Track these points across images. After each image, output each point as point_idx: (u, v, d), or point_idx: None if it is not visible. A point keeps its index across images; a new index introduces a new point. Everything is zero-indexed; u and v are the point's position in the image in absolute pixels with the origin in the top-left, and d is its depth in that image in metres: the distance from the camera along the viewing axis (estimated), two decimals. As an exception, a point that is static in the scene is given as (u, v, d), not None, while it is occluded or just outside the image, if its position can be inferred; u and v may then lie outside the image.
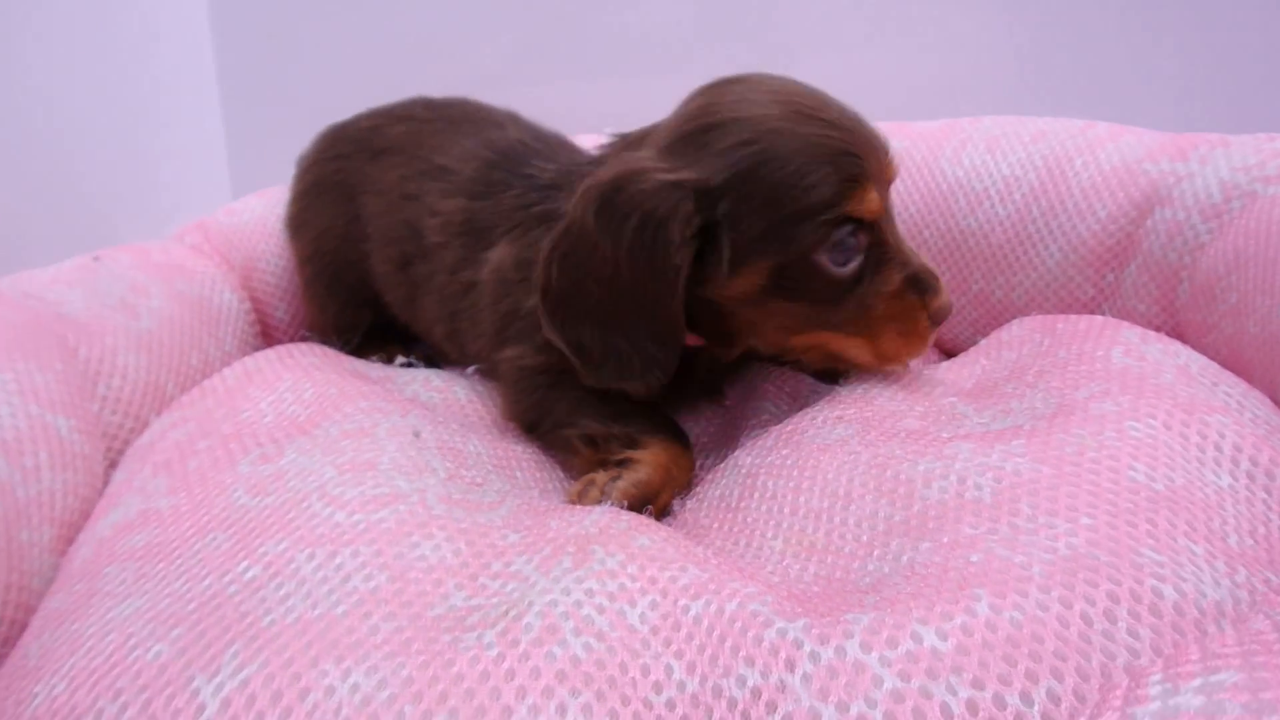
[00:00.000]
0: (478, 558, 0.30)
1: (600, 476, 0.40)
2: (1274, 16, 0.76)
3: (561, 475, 0.45)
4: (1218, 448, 0.34)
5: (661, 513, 0.41)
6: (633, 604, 0.28)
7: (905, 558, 0.31)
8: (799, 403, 0.48)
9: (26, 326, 0.42)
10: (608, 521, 0.33)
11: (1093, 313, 0.54)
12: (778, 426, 0.44)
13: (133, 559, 0.30)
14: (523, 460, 0.43)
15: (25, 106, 0.64)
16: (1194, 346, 0.47)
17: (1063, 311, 0.55)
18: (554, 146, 0.53)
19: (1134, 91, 0.80)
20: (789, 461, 0.39)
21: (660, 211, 0.37)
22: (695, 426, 0.49)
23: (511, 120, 0.56)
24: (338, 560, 0.29)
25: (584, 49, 0.80)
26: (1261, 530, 0.31)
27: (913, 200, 0.62)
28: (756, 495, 0.38)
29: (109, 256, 0.51)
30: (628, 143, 0.45)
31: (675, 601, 0.28)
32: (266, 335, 0.59)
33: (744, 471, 0.40)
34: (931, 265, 0.45)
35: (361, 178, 0.55)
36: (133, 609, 0.27)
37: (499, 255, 0.46)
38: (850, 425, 0.42)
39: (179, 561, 0.29)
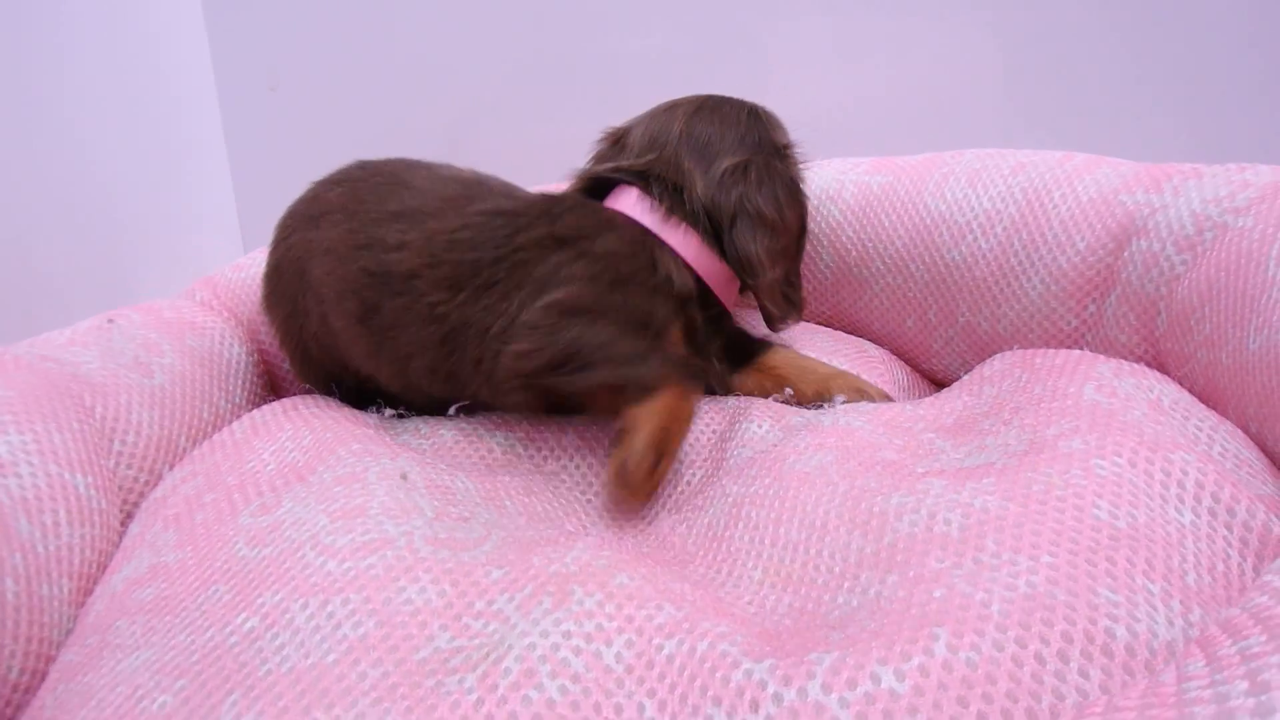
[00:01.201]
0: (461, 597, 0.32)
1: (615, 459, 0.43)
2: (1256, 39, 0.78)
3: (549, 498, 0.46)
4: (1180, 485, 0.35)
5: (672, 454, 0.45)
6: (609, 644, 0.29)
7: (873, 591, 0.32)
8: (781, 424, 0.50)
9: (45, 389, 0.44)
10: (589, 558, 0.35)
11: (1076, 343, 0.55)
12: (763, 453, 0.46)
13: (142, 612, 0.32)
14: (510, 490, 0.45)
15: (43, 168, 0.67)
16: (1174, 376, 0.49)
17: (1047, 342, 0.56)
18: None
19: (1116, 112, 0.81)
20: (771, 492, 0.41)
21: None
22: (691, 437, 0.51)
23: (451, 167, 0.58)
24: (329, 609, 0.30)
25: (581, 78, 0.82)
26: (1220, 567, 0.32)
27: (898, 234, 0.64)
28: (740, 525, 0.40)
29: (122, 317, 0.54)
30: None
31: (650, 640, 0.30)
32: (274, 387, 0.61)
33: (730, 500, 0.42)
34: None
35: (306, 249, 0.54)
36: (141, 661, 0.29)
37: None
38: (830, 453, 0.43)
39: (184, 614, 0.31)
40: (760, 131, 0.58)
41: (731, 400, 0.55)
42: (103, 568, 0.41)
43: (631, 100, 0.61)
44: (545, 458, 0.50)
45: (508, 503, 0.44)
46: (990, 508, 0.34)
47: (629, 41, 0.85)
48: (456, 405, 0.53)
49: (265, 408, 0.50)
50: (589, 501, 0.47)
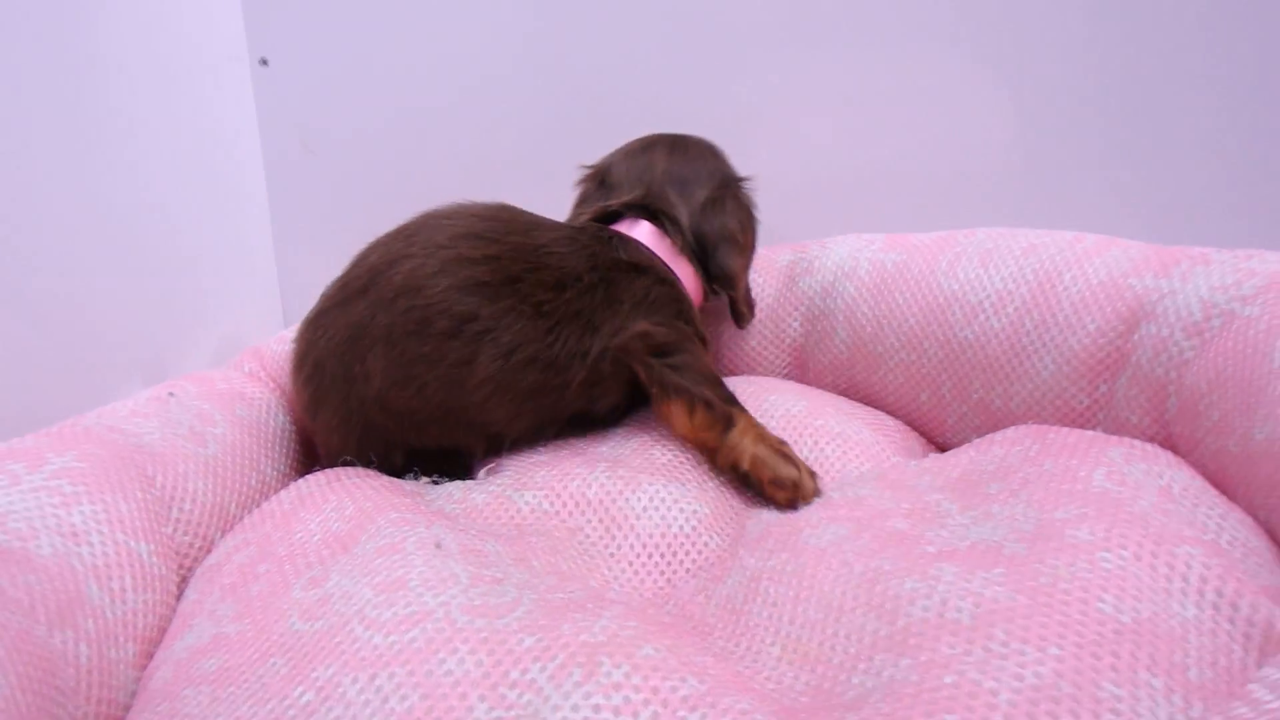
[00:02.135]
0: (497, 666, 0.34)
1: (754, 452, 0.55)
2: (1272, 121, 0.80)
3: (574, 555, 0.49)
4: (1185, 579, 0.36)
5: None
6: (635, 716, 0.31)
7: (886, 673, 0.34)
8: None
9: (112, 460, 0.47)
10: (616, 628, 0.37)
11: (1089, 421, 0.57)
12: (776, 525, 0.49)
13: (206, 682, 0.35)
14: (538, 550, 0.47)
15: (100, 227, 0.72)
16: (1185, 458, 0.50)
17: (1060, 420, 0.58)
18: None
19: (1131, 184, 0.84)
20: (789, 568, 0.43)
21: None
22: (709, 509, 0.54)
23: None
24: (377, 683, 0.33)
25: (611, 135, 0.87)
26: (1223, 662, 0.33)
27: (912, 312, 0.66)
28: (759, 600, 0.42)
29: (179, 388, 0.57)
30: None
31: (675, 712, 0.32)
32: (312, 456, 0.64)
33: (749, 574, 0.45)
34: None
35: (358, 316, 0.55)
36: (206, 732, 0.32)
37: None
38: (843, 525, 0.46)
39: (246, 686, 0.34)
40: (722, 166, 0.72)
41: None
42: (162, 631, 0.43)
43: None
44: (570, 513, 0.52)
45: (535, 563, 0.46)
46: (1000, 598, 0.36)
47: (649, 107, 0.89)
48: (486, 468, 0.58)
49: (309, 479, 0.53)
50: (610, 555, 0.50)
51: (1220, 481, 0.47)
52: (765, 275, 0.79)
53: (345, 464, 0.56)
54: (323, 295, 0.59)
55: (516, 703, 0.32)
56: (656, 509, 0.52)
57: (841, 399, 0.71)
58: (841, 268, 0.73)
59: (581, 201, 0.72)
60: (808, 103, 0.89)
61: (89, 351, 0.70)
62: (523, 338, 0.56)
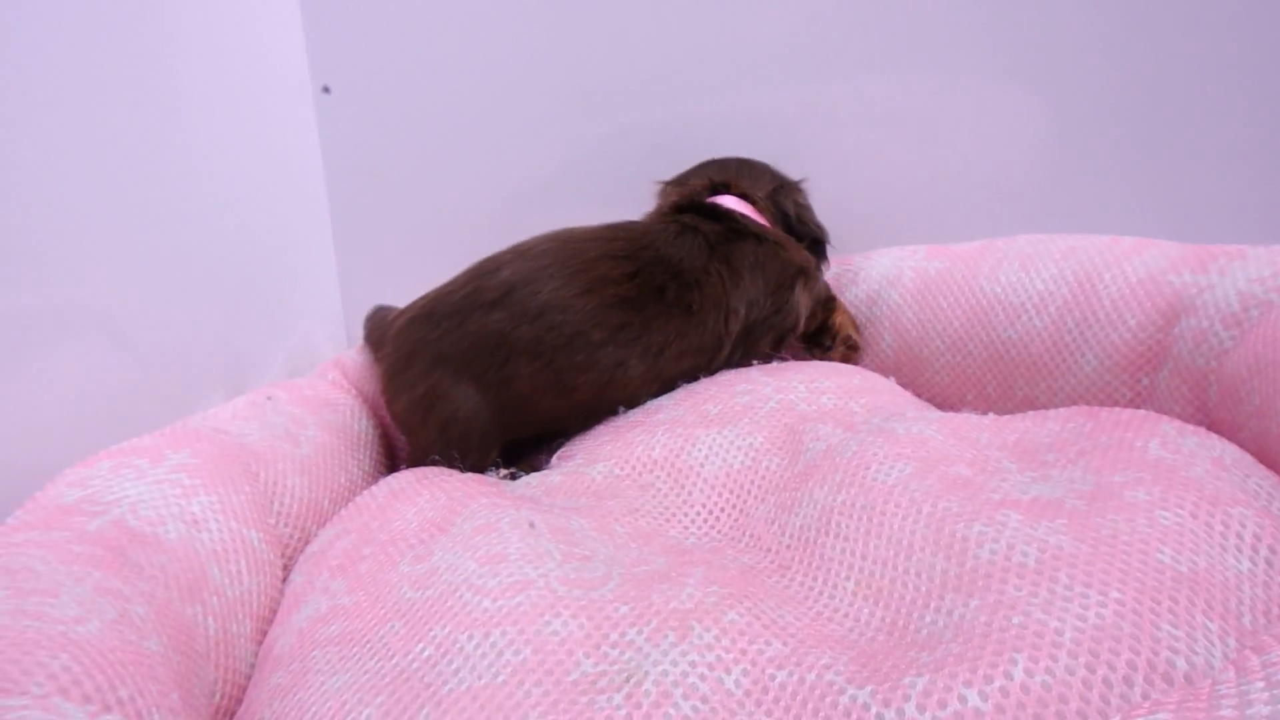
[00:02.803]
0: (598, 629, 0.37)
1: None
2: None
3: (651, 511, 0.53)
4: (1239, 536, 0.39)
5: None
6: (728, 671, 0.34)
7: (956, 613, 0.36)
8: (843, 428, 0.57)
9: (221, 457, 0.51)
10: (701, 595, 0.40)
11: (1133, 413, 0.59)
12: (840, 453, 0.51)
13: (332, 644, 0.38)
14: (617, 514, 0.51)
15: (176, 272, 0.76)
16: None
17: (1105, 413, 0.60)
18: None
19: (1170, 188, 0.86)
20: (858, 504, 0.46)
21: None
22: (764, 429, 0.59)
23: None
24: (491, 639, 0.36)
25: (664, 147, 0.92)
26: (1275, 610, 0.35)
27: (956, 316, 0.69)
28: (831, 535, 0.45)
29: (274, 394, 0.62)
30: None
31: (763, 670, 0.35)
32: (395, 456, 0.68)
33: (819, 508, 0.47)
34: None
35: (493, 325, 0.62)
36: (342, 682, 0.35)
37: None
38: (909, 464, 0.48)
39: (369, 645, 0.37)
40: (776, 172, 0.83)
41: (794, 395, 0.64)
42: (273, 610, 0.47)
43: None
44: (640, 474, 0.57)
45: (617, 528, 0.49)
46: (1064, 545, 0.38)
47: (701, 125, 0.93)
48: (557, 454, 0.65)
49: (398, 475, 0.57)
50: (684, 502, 0.53)
51: (1264, 462, 0.49)
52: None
53: (433, 462, 0.60)
54: (429, 298, 0.65)
55: (619, 659, 0.35)
56: (716, 454, 0.56)
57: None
58: (886, 277, 0.76)
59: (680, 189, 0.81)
60: (853, 119, 0.92)
61: (174, 367, 0.74)
62: (673, 334, 0.66)
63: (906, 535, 0.42)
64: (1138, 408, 0.59)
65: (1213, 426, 0.54)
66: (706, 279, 0.68)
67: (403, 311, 0.67)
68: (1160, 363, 0.58)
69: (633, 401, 0.67)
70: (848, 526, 0.44)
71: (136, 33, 0.71)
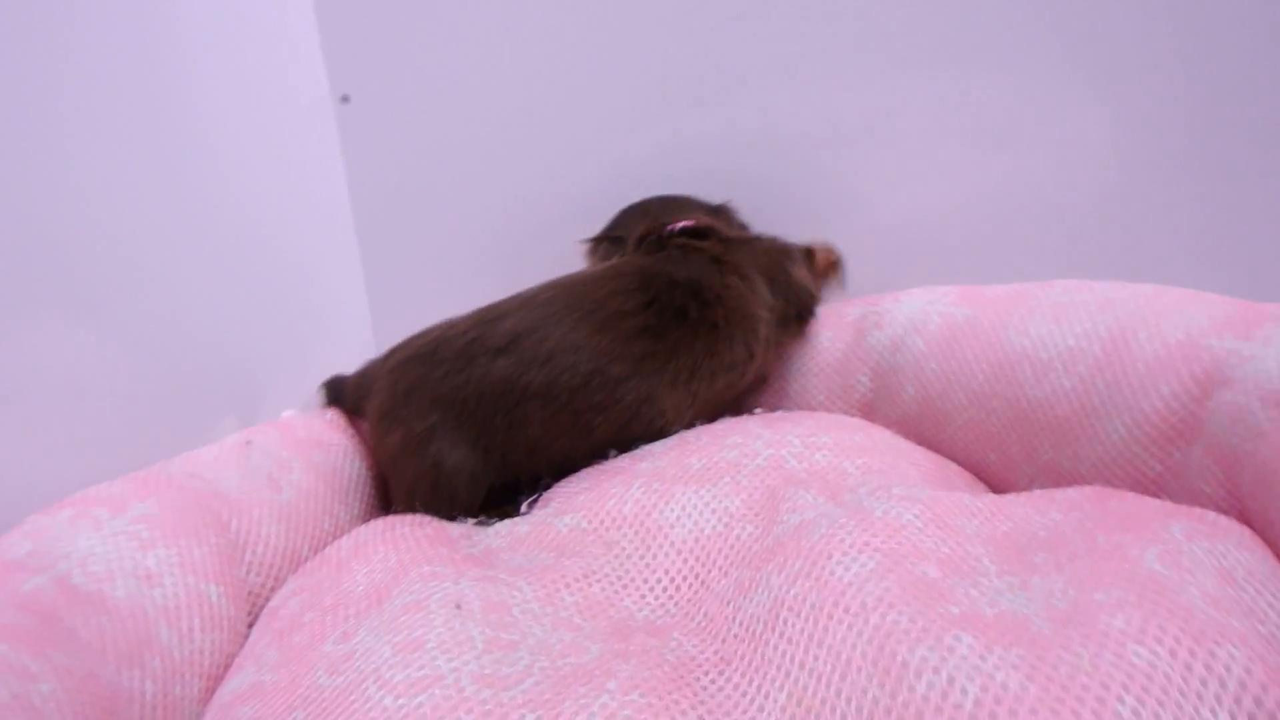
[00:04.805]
0: (498, 742, 0.35)
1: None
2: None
3: (608, 576, 0.51)
4: (1221, 682, 0.33)
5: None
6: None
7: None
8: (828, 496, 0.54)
9: (190, 507, 0.52)
10: (616, 708, 0.37)
11: (1160, 489, 0.53)
12: (810, 542, 0.46)
13: (237, 729, 0.38)
14: (571, 577, 0.49)
15: (197, 288, 0.76)
16: (1258, 533, 0.46)
17: (1131, 486, 0.54)
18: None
19: (1231, 230, 0.78)
20: (809, 602, 0.42)
21: None
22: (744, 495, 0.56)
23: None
24: (383, 745, 0.35)
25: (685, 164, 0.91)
26: (1251, 779, 0.30)
27: (980, 369, 0.64)
28: (776, 633, 0.41)
29: (261, 435, 0.63)
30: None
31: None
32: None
33: (773, 597, 0.44)
34: None
35: (499, 370, 0.61)
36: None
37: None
38: (873, 557, 0.44)
39: (267, 737, 0.37)
40: (700, 200, 0.82)
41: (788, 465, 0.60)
42: (227, 667, 0.48)
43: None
44: (607, 529, 0.55)
45: (566, 597, 0.47)
46: (1010, 685, 0.34)
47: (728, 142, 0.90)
48: (528, 501, 0.63)
49: (367, 526, 0.56)
50: (646, 565, 0.51)
51: (1297, 565, 0.43)
52: (834, 329, 0.78)
53: (415, 507, 0.60)
54: (431, 338, 0.64)
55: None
56: (689, 515, 0.54)
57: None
58: (911, 322, 0.71)
59: (604, 258, 0.80)
60: (891, 140, 0.87)
61: (191, 388, 0.74)
62: (702, 353, 0.66)
63: (847, 649, 0.38)
64: (1167, 483, 0.53)
65: (1243, 515, 0.48)
66: (727, 292, 0.69)
67: (396, 350, 0.67)
68: (1194, 436, 0.52)
69: (663, 434, 0.66)
70: (794, 626, 0.41)
71: (152, 47, 0.71)
